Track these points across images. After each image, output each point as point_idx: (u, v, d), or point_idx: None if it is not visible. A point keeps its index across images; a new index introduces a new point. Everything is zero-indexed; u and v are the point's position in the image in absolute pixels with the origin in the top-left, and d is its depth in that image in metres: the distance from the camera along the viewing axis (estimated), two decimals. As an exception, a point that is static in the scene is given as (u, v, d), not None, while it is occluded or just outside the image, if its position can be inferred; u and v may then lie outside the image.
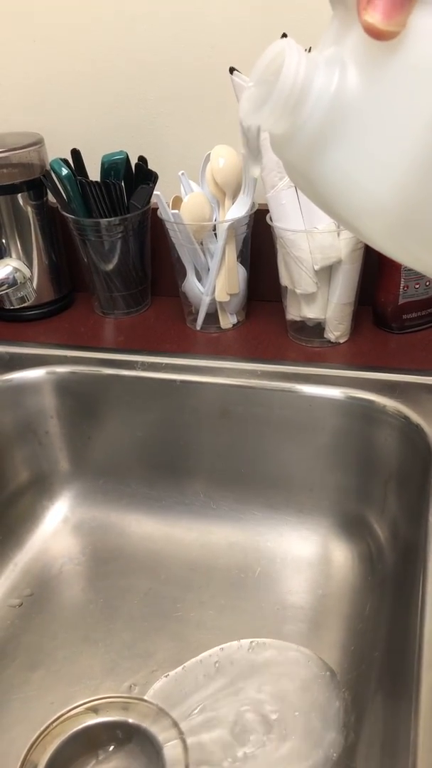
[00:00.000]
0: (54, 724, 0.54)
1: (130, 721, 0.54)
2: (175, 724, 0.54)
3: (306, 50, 0.62)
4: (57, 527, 0.72)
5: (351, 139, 0.27)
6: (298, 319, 0.70)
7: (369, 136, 0.27)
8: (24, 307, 0.73)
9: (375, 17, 0.25)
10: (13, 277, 0.55)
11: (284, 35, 0.59)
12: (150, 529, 0.71)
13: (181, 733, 0.53)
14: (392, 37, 0.25)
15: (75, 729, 0.54)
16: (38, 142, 0.73)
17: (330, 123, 0.27)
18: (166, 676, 0.57)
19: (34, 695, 0.57)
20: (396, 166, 0.27)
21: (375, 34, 0.25)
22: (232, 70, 0.61)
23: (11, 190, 0.73)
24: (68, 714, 0.55)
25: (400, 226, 0.29)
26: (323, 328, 0.70)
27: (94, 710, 0.55)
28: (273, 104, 0.27)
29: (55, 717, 0.55)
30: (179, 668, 0.58)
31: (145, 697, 0.56)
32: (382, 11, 0.24)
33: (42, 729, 0.54)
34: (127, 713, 0.55)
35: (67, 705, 0.56)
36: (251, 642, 0.60)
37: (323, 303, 0.68)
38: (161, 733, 0.53)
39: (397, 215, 0.28)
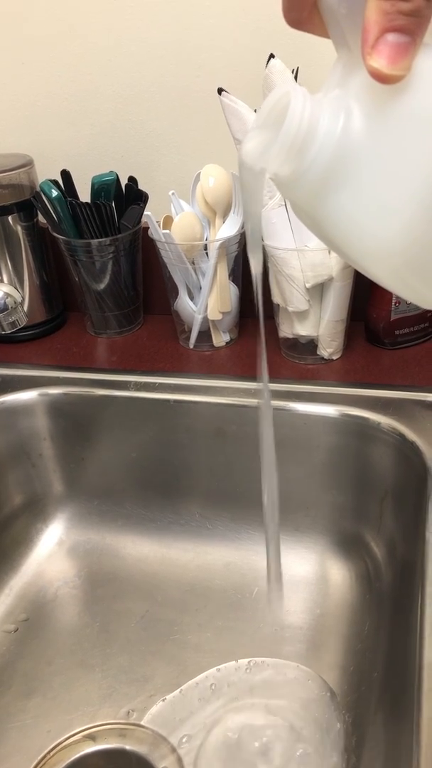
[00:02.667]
0: (51, 753, 0.54)
1: (128, 748, 0.53)
2: (173, 750, 0.53)
3: (292, 71, 0.63)
4: (52, 550, 0.72)
5: (357, 183, 0.27)
6: (290, 336, 0.70)
7: (375, 179, 0.27)
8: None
9: (380, 62, 0.25)
10: (4, 302, 0.55)
11: (272, 56, 0.59)
12: (145, 550, 0.71)
13: (179, 759, 0.53)
14: (397, 81, 0.25)
15: (72, 758, 0.53)
16: (28, 164, 0.73)
17: (335, 166, 0.27)
18: (163, 700, 0.57)
19: (31, 723, 0.56)
20: (402, 210, 0.27)
21: (380, 78, 0.25)
22: (220, 90, 0.61)
23: (1, 211, 0.73)
24: (65, 742, 0.54)
25: (406, 267, 0.29)
26: (316, 346, 0.70)
27: (92, 738, 0.55)
28: (278, 148, 0.27)
29: (53, 746, 0.54)
30: (176, 691, 0.57)
31: (143, 723, 0.55)
32: (387, 56, 0.25)
33: (39, 758, 0.53)
34: (124, 740, 0.54)
35: (64, 733, 0.55)
36: (249, 662, 0.59)
37: (315, 320, 0.68)
38: (159, 760, 0.52)
39: (403, 257, 0.28)
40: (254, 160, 0.28)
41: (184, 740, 0.54)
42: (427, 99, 0.25)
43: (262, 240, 0.66)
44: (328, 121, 0.26)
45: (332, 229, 0.30)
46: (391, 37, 0.24)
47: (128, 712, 0.56)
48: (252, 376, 0.69)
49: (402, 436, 0.59)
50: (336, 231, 0.29)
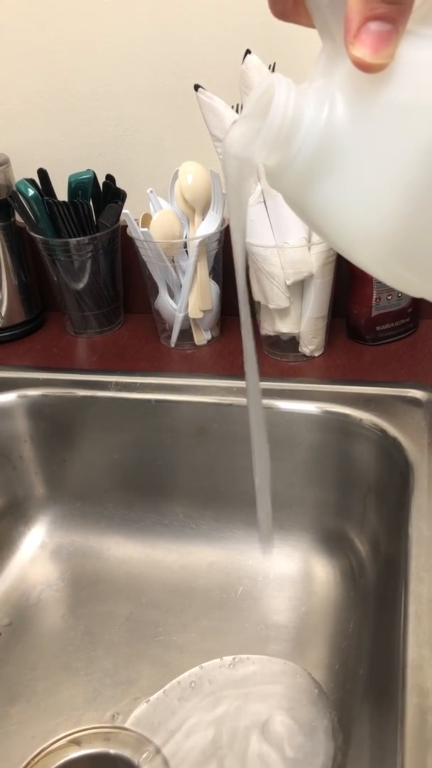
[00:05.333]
0: (36, 759, 0.53)
1: (111, 752, 0.53)
2: (158, 751, 0.53)
3: (269, 66, 0.62)
4: (34, 553, 0.71)
5: (342, 172, 0.27)
6: (272, 333, 0.70)
7: (359, 168, 0.27)
8: (-6, 329, 0.72)
9: (362, 51, 0.24)
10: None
11: (248, 52, 0.59)
12: (129, 551, 0.70)
13: (164, 759, 0.52)
14: (380, 70, 0.25)
15: (57, 763, 0.53)
16: (4, 163, 0.72)
17: (321, 156, 0.27)
18: (147, 702, 0.56)
19: (15, 730, 0.55)
20: (387, 198, 0.27)
21: (363, 67, 0.25)
22: (197, 87, 0.61)
23: (-23, 211, 0.72)
24: (50, 748, 0.54)
25: (392, 256, 0.29)
26: (298, 342, 0.69)
27: (77, 742, 0.54)
28: (264, 137, 0.27)
29: (37, 752, 0.53)
30: (160, 692, 0.57)
31: (126, 725, 0.55)
32: (369, 45, 0.24)
33: (23, 765, 0.53)
34: (108, 744, 0.53)
35: (48, 738, 0.54)
36: (233, 658, 0.59)
37: (296, 317, 0.68)
38: (143, 761, 0.52)
39: (389, 245, 0.28)
40: (241, 150, 0.28)
41: (169, 740, 0.53)
42: (410, 87, 0.25)
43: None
44: (312, 110, 0.27)
45: (320, 219, 0.30)
46: (373, 26, 0.24)
47: (113, 716, 0.56)
48: (234, 374, 0.69)
49: (384, 432, 0.59)
50: (324, 220, 0.30)
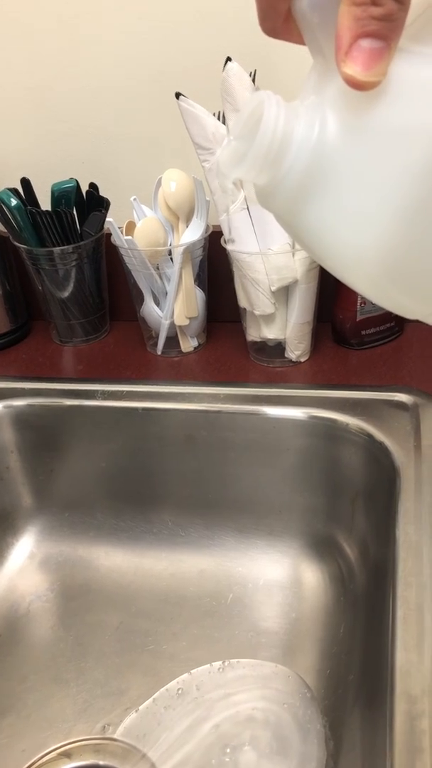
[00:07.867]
0: (26, 773, 0.53)
1: (101, 763, 0.52)
2: (148, 761, 0.52)
3: (250, 74, 0.62)
4: (23, 564, 0.70)
5: (332, 192, 0.27)
6: (258, 339, 0.70)
7: (350, 188, 0.27)
8: (-21, 340, 0.72)
9: (354, 68, 0.24)
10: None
11: (229, 59, 0.59)
12: (119, 560, 0.70)
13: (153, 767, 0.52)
14: (372, 87, 0.25)
15: (48, 776, 0.52)
16: (-14, 173, 0.72)
17: (311, 175, 0.27)
18: (136, 711, 0.56)
19: (5, 743, 0.55)
20: (377, 218, 0.26)
21: (355, 84, 0.25)
22: (178, 95, 0.61)
23: (-39, 222, 0.71)
24: (40, 761, 0.53)
25: (383, 276, 0.29)
26: (284, 348, 0.70)
27: (67, 755, 0.54)
28: (253, 156, 0.26)
29: (27, 765, 0.53)
30: (149, 701, 0.57)
31: (116, 736, 0.54)
32: (361, 62, 0.24)
33: (13, 779, 0.52)
34: (98, 755, 0.53)
35: (39, 752, 0.54)
36: (223, 662, 0.58)
37: (282, 323, 0.68)
38: (136, 773, 0.52)
39: (379, 266, 0.28)
40: (230, 170, 0.28)
41: (159, 749, 0.53)
42: (402, 105, 0.25)
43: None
44: (303, 129, 0.26)
45: (311, 239, 0.29)
46: (365, 43, 0.24)
47: (104, 727, 0.55)
48: (221, 381, 0.68)
49: (370, 436, 0.59)
50: (315, 240, 0.29)
